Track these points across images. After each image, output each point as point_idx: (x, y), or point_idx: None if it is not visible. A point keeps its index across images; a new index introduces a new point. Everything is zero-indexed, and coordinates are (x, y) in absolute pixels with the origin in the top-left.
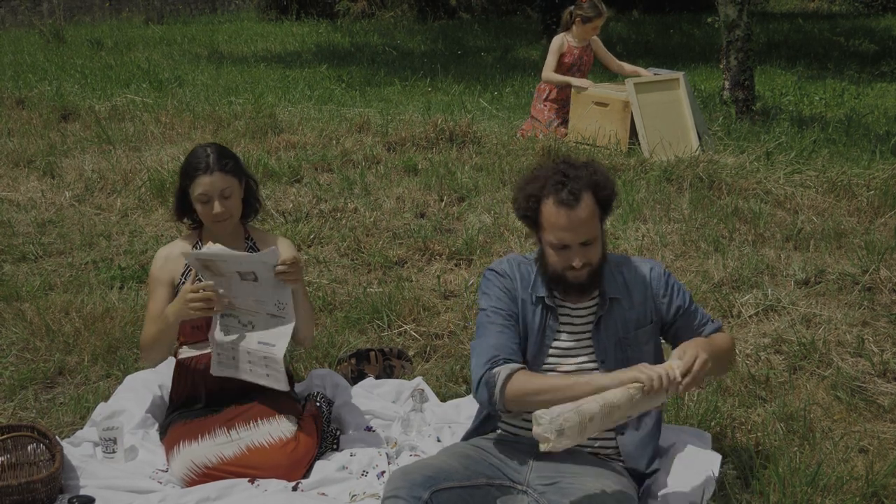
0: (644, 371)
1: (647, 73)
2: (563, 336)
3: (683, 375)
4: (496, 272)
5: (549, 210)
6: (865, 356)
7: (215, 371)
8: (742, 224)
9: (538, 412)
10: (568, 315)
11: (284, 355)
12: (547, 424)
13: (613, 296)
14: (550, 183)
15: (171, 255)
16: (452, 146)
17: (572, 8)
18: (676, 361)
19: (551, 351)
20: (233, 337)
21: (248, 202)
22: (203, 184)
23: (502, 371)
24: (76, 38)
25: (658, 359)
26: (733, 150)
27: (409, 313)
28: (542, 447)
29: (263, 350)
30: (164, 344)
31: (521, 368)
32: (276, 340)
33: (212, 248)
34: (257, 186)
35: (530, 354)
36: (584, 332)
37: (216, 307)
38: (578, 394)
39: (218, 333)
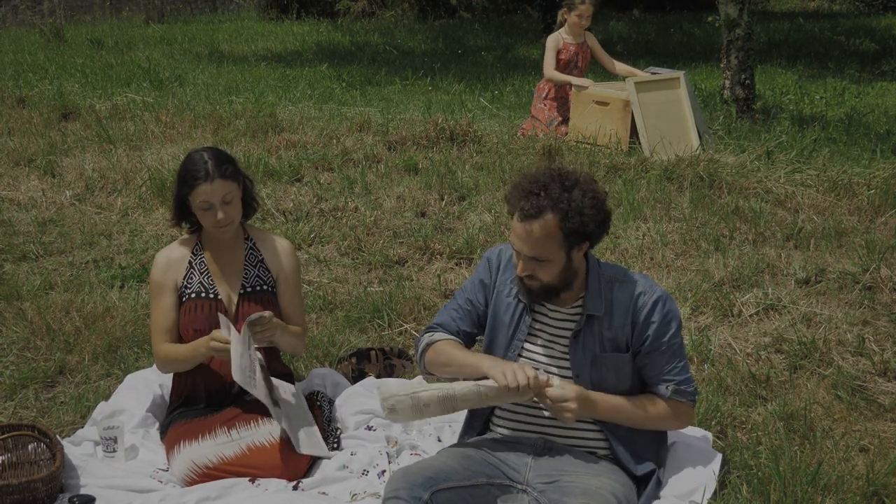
0: (506, 373)
1: (642, 74)
2: (539, 340)
3: (558, 400)
4: (487, 260)
5: (515, 214)
6: (866, 355)
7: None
8: (742, 223)
9: (383, 387)
10: (545, 316)
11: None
12: (382, 401)
13: (592, 313)
14: (525, 190)
15: (173, 259)
16: (453, 145)
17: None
18: (558, 380)
19: (524, 351)
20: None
21: (245, 202)
22: (204, 192)
23: (424, 339)
24: (77, 38)
25: (635, 387)
26: (734, 150)
27: (409, 312)
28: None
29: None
30: (189, 365)
31: (442, 340)
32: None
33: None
34: (253, 185)
35: (500, 347)
36: (560, 343)
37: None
38: (468, 373)
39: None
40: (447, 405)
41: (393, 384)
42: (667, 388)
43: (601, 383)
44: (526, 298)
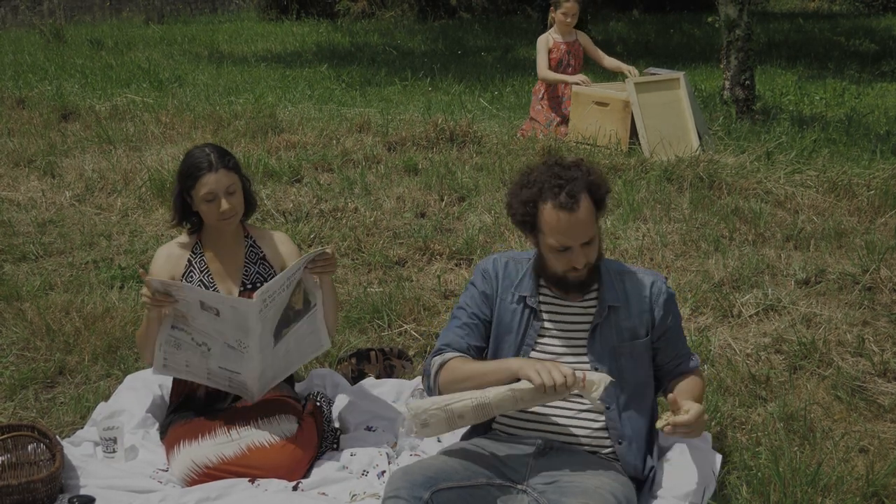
0: (541, 372)
1: (633, 70)
2: (552, 339)
3: (683, 423)
4: (483, 271)
5: (549, 214)
6: (866, 356)
7: (157, 371)
8: (742, 224)
9: (412, 402)
10: (558, 314)
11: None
12: (413, 417)
13: (613, 304)
14: (547, 187)
15: (172, 254)
16: (453, 146)
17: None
18: (596, 375)
19: (536, 353)
20: (184, 352)
21: (245, 200)
22: (209, 182)
23: (436, 361)
24: (76, 38)
25: (651, 372)
26: (733, 150)
27: (409, 313)
28: (413, 431)
29: (227, 374)
30: (150, 340)
31: (455, 357)
32: (239, 369)
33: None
34: (250, 184)
35: (507, 354)
36: (578, 338)
37: (163, 309)
38: (494, 380)
39: (164, 337)
40: (481, 413)
41: (420, 400)
42: (692, 359)
43: (620, 372)
44: (564, 295)
